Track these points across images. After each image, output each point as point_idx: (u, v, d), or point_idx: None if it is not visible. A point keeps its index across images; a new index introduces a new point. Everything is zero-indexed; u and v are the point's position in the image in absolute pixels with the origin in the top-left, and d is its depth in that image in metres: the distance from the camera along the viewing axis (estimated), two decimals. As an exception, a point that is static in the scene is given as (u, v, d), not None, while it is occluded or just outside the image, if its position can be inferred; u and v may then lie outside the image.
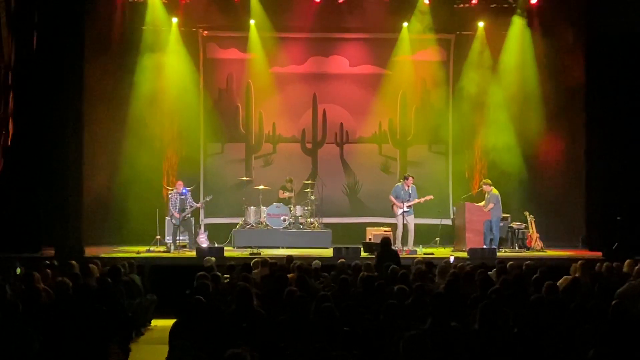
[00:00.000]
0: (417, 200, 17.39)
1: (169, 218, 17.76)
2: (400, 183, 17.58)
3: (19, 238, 16.14)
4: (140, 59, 19.06)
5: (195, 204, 17.74)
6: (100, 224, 18.67)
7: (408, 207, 17.22)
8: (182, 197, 17.50)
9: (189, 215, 17.72)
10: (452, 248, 17.88)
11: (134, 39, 19.18)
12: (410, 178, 17.53)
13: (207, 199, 18.01)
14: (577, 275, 11.41)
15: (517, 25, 19.66)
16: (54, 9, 17.07)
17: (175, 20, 19.44)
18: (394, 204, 17.35)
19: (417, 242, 17.37)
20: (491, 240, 17.26)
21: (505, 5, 19.57)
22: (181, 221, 17.45)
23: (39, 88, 16.82)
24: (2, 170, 16.57)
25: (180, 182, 17.79)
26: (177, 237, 17.51)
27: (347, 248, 16.12)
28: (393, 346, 6.81)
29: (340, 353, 6.51)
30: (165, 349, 7.74)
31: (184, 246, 17.63)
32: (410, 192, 17.35)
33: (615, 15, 17.73)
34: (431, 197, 17.70)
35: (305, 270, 11.59)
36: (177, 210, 17.43)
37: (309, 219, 18.75)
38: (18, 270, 11.32)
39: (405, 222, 17.22)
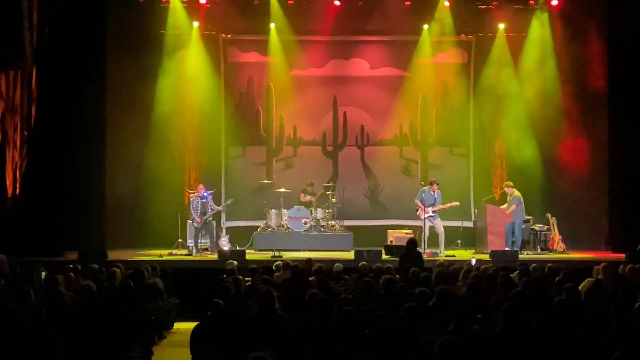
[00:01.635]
0: (441, 206, 17.31)
1: (191, 221, 17.82)
2: (426, 188, 17.51)
3: (42, 242, 16.23)
4: (162, 62, 19.18)
5: (216, 207, 17.79)
6: (123, 228, 18.73)
7: (433, 212, 17.17)
8: (203, 200, 17.55)
9: (210, 218, 17.76)
10: (474, 250, 17.83)
11: (156, 42, 19.27)
12: (436, 184, 17.45)
13: (228, 202, 18.07)
14: (600, 277, 11.35)
15: (538, 25, 19.59)
16: (76, 13, 17.18)
17: (196, 24, 19.53)
18: (419, 208, 17.27)
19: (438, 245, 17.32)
20: (513, 242, 17.19)
21: (526, 7, 19.52)
22: (202, 224, 17.51)
23: (61, 91, 16.92)
24: (25, 174, 16.68)
25: (201, 186, 17.84)
26: (199, 241, 17.56)
27: (368, 251, 16.09)
28: (415, 349, 6.81)
29: (362, 356, 6.53)
30: (187, 352, 7.77)
31: (206, 249, 17.67)
32: (435, 197, 17.30)
33: (638, 13, 17.64)
34: (457, 203, 17.61)
35: (326, 273, 11.60)
36: (198, 213, 17.49)
37: (330, 222, 18.75)
38: (43, 274, 11.38)
39: (432, 225, 17.16)
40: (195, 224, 17.54)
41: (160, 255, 16.58)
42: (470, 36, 20.27)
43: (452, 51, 20.33)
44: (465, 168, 20.52)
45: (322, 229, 18.59)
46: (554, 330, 7.35)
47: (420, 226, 17.31)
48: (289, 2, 19.47)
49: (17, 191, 16.64)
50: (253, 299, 9.37)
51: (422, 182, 18.36)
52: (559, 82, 19.21)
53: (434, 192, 17.31)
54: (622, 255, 16.26)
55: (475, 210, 19.03)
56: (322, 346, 7.15)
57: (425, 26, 19.92)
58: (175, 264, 15.69)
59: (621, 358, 5.86)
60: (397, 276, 11.56)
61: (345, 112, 20.60)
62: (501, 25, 19.77)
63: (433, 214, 17.17)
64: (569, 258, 16.77)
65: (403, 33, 20.21)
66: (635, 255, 15.33)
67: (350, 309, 7.71)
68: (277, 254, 16.61)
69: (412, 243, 13.95)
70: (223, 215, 19.41)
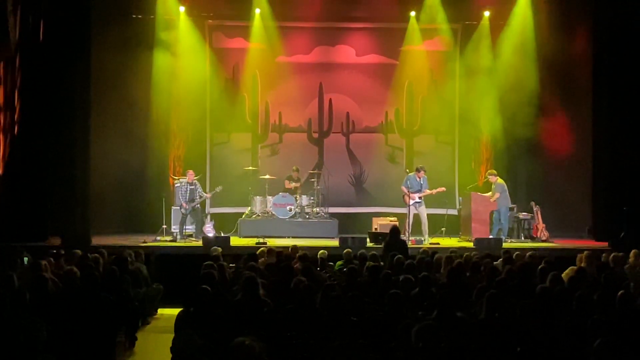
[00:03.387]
0: (428, 192, 17.35)
1: (178, 207, 17.70)
2: (412, 174, 17.53)
3: (26, 227, 16.16)
4: (149, 47, 19.02)
5: (204, 194, 17.66)
6: (107, 213, 18.68)
7: (419, 198, 17.19)
8: (192, 187, 17.46)
9: (198, 205, 17.70)
10: (458, 238, 17.88)
11: (143, 25, 19.16)
12: (422, 171, 17.44)
13: (217, 190, 17.83)
14: (583, 265, 11.42)
15: (522, 11, 19.51)
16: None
17: (182, 9, 19.43)
18: (405, 194, 17.28)
19: (422, 232, 17.32)
20: (499, 230, 17.26)
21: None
22: (190, 211, 17.41)
23: (45, 77, 16.81)
24: (9, 159, 16.59)
25: (191, 172, 17.66)
26: (184, 227, 17.48)
27: (353, 238, 16.13)
28: (399, 336, 6.83)
29: (346, 342, 6.53)
30: (171, 338, 7.76)
31: (190, 235, 17.62)
32: (422, 183, 17.32)
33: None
34: (443, 189, 17.65)
35: (311, 259, 11.61)
36: (185, 199, 17.37)
37: (315, 209, 18.74)
38: (26, 260, 11.34)
39: (416, 212, 17.18)
40: (182, 210, 17.43)
41: (145, 241, 16.52)
42: (457, 24, 20.25)
43: (439, 39, 20.34)
44: (450, 156, 20.55)
45: (307, 216, 18.59)
46: (537, 318, 7.39)
47: (405, 214, 17.32)
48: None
49: (1, 176, 16.53)
50: (237, 286, 9.37)
51: (407, 170, 18.35)
52: (543, 69, 19.15)
53: (419, 178, 17.33)
54: (606, 244, 16.36)
55: (460, 198, 19.07)
56: (306, 332, 7.16)
57: (412, 13, 19.92)
58: (159, 250, 15.68)
59: (604, 345, 5.89)
60: (382, 263, 11.61)
61: (330, 99, 20.59)
62: (486, 13, 19.77)
63: (419, 201, 17.19)
64: (552, 246, 16.84)
65: (390, 20, 20.19)
66: (619, 244, 15.43)
67: (334, 296, 7.73)
68: (261, 240, 16.58)
69: (395, 230, 13.99)
70: (208, 202, 19.33)
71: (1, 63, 16.55)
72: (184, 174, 18.30)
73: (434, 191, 17.46)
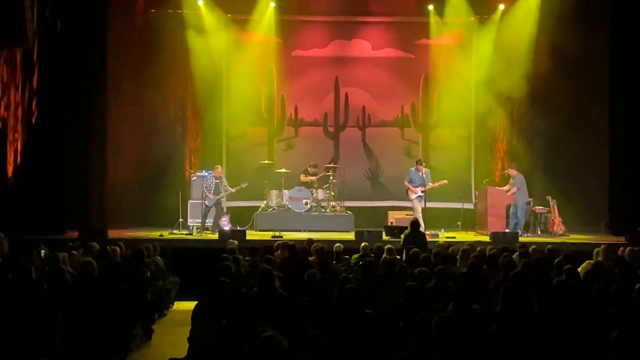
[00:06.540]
0: (431, 185, 17.34)
1: (200, 201, 17.69)
2: (413, 168, 17.51)
3: (43, 220, 16.24)
4: (165, 41, 18.97)
5: (230, 189, 17.66)
6: (124, 206, 18.72)
7: (422, 191, 17.18)
8: (217, 181, 17.52)
9: (224, 199, 17.73)
10: (475, 232, 17.84)
11: (160, 18, 19.14)
12: (422, 165, 17.43)
13: (242, 186, 17.79)
14: (599, 259, 11.37)
15: (537, 4, 19.39)
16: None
17: (200, 2, 19.42)
18: (409, 189, 17.29)
19: (439, 226, 17.27)
20: (516, 224, 17.22)
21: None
22: (214, 204, 17.46)
23: (63, 68, 16.87)
24: (26, 152, 16.65)
25: (219, 167, 17.83)
26: (206, 220, 17.54)
27: (369, 231, 16.10)
28: (415, 328, 6.82)
29: (362, 335, 6.54)
30: (188, 330, 7.80)
31: (207, 229, 17.66)
32: (424, 177, 17.30)
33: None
34: (445, 182, 17.64)
35: (326, 253, 11.63)
36: (211, 192, 17.43)
37: (331, 203, 18.74)
38: (43, 253, 11.40)
39: (422, 205, 17.19)
40: (206, 202, 17.46)
41: (161, 235, 16.59)
42: (473, 17, 20.17)
43: (455, 32, 20.27)
44: (467, 149, 20.47)
45: (323, 210, 18.59)
46: (554, 311, 7.37)
47: (422, 207, 17.30)
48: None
49: (18, 170, 16.62)
50: (253, 278, 9.40)
51: (419, 162, 18.17)
52: (560, 63, 18.99)
53: (420, 172, 17.31)
54: (622, 238, 16.27)
55: (476, 192, 19.03)
56: (322, 325, 7.17)
57: (430, 7, 19.86)
58: (176, 243, 15.73)
59: (620, 338, 5.88)
60: (398, 257, 11.59)
61: (346, 93, 20.58)
62: (501, 6, 19.69)
63: (422, 194, 17.19)
64: (569, 240, 16.76)
65: (405, 14, 20.17)
66: (635, 238, 15.35)
67: (350, 288, 7.72)
68: (277, 234, 16.62)
69: (416, 224, 13.97)
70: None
71: (19, 55, 16.59)
72: (201, 168, 18.43)
73: (437, 184, 17.46)
